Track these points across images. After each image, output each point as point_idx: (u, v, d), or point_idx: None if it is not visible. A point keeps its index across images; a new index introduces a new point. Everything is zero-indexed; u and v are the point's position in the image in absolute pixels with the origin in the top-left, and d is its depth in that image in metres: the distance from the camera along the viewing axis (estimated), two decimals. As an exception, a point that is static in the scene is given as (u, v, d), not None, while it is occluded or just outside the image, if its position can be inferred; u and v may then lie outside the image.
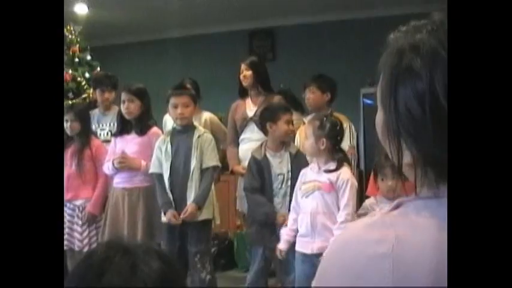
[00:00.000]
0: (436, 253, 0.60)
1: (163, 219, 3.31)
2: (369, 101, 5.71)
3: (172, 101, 3.38)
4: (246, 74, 3.80)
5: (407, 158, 0.67)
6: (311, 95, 3.71)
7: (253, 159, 3.32)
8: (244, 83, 3.83)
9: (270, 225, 3.21)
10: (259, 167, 3.27)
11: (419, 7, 5.41)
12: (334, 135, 2.88)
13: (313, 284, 0.70)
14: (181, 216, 3.24)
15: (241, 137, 3.81)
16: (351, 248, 0.65)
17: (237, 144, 3.84)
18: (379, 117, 0.71)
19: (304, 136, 3.35)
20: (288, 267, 3.17)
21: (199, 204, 3.28)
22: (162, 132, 3.70)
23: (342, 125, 3.03)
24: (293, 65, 5.93)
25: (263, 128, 3.37)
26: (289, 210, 3.12)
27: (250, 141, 3.70)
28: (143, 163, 3.45)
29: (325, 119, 2.93)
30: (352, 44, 6.22)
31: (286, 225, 3.03)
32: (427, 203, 0.64)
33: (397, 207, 0.67)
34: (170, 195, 3.32)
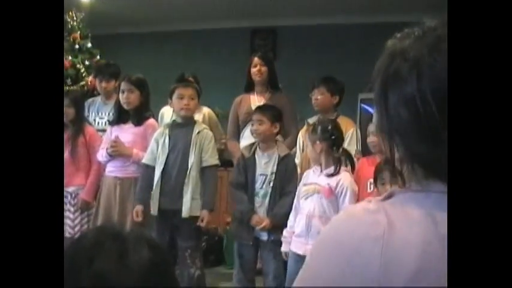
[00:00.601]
0: (423, 240, 0.64)
1: (152, 211, 3.30)
2: (366, 107, 5.72)
3: (179, 91, 3.37)
4: (261, 69, 3.81)
5: (397, 154, 0.73)
6: (320, 96, 3.64)
7: (242, 156, 3.36)
8: (258, 78, 3.82)
9: (247, 223, 3.25)
10: (245, 165, 3.31)
11: (421, 15, 5.44)
12: (328, 136, 2.89)
13: (307, 259, 0.73)
14: (199, 223, 3.24)
15: (243, 132, 3.80)
16: (346, 226, 0.69)
17: (238, 138, 3.83)
18: (374, 117, 0.77)
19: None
20: (267, 267, 3.20)
21: (211, 208, 3.30)
22: (158, 125, 3.70)
23: (336, 124, 3.04)
24: (293, 66, 5.93)
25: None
26: (268, 211, 3.18)
27: (251, 137, 3.69)
28: (135, 151, 3.44)
29: (316, 123, 2.97)
30: (353, 48, 6.24)
31: (264, 227, 3.13)
32: (416, 195, 0.69)
33: (389, 197, 0.72)
34: (157, 190, 3.29)
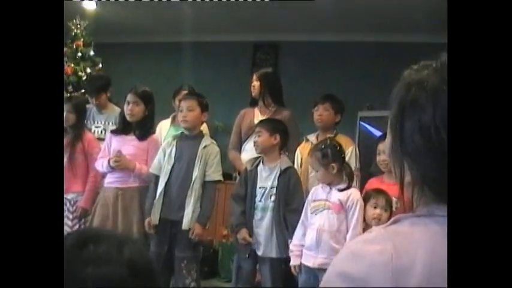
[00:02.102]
0: (430, 263, 0.67)
1: (153, 220, 3.30)
2: (365, 125, 5.73)
3: (180, 104, 3.41)
4: (254, 84, 3.84)
5: (408, 177, 0.76)
6: (325, 113, 3.60)
7: (245, 169, 3.38)
8: (253, 93, 3.87)
9: (242, 233, 3.25)
10: (247, 178, 3.32)
11: (421, 36, 5.51)
12: (339, 157, 2.99)
13: None
14: (190, 235, 3.24)
15: (244, 145, 3.82)
16: (354, 260, 0.71)
17: (239, 149, 3.84)
18: (388, 140, 0.80)
19: (306, 157, 3.43)
20: (265, 281, 3.20)
21: (204, 222, 3.31)
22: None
23: (340, 144, 3.09)
24: (294, 81, 5.95)
25: None
26: (272, 226, 3.18)
27: (252, 151, 3.70)
28: (138, 166, 3.43)
29: (323, 146, 3.00)
30: (354, 66, 6.27)
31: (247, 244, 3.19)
32: (422, 220, 0.72)
33: (395, 222, 0.75)
34: (160, 199, 3.31)
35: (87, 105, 4.20)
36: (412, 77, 0.77)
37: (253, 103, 3.94)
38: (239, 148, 3.86)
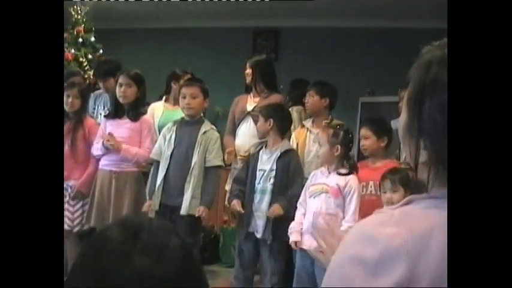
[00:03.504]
0: (444, 244, 0.65)
1: (153, 206, 3.32)
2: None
3: (182, 90, 3.42)
4: (248, 71, 3.87)
5: (423, 157, 0.74)
6: (309, 99, 3.75)
7: (249, 153, 3.44)
8: (247, 81, 3.91)
9: (241, 219, 3.32)
10: (248, 161, 3.39)
11: (422, 21, 5.48)
12: (347, 142, 3.03)
13: (326, 275, 0.74)
14: (198, 215, 3.26)
15: (238, 130, 3.84)
16: (367, 243, 0.69)
17: (234, 135, 3.87)
18: (403, 119, 0.78)
19: (302, 142, 3.57)
20: (265, 265, 3.23)
21: (209, 206, 3.33)
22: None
23: (353, 134, 3.16)
24: (295, 67, 5.94)
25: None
26: (268, 208, 3.21)
27: (245, 136, 3.74)
28: (124, 146, 3.44)
29: (338, 127, 3.08)
30: (355, 52, 6.25)
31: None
32: (436, 202, 0.70)
33: (407, 203, 0.73)
34: (160, 185, 3.33)
35: (99, 91, 4.21)
36: (432, 55, 0.74)
37: (248, 89, 3.99)
38: (234, 133, 3.89)
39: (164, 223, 0.82)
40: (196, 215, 3.25)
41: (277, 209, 3.15)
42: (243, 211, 3.26)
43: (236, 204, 3.27)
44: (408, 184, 2.73)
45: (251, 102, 3.83)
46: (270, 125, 3.33)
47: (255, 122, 3.62)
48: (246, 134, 3.74)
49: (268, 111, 3.38)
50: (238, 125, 3.83)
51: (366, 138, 3.20)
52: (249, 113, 3.77)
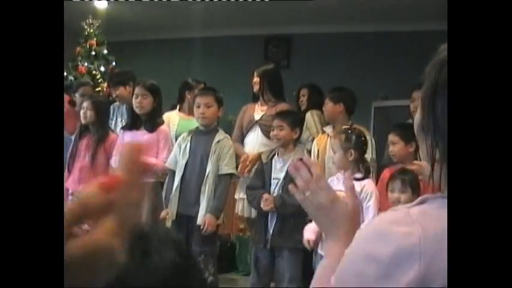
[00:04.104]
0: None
1: (170, 215, 3.33)
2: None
3: (197, 100, 3.43)
4: (255, 80, 3.88)
5: (437, 155, 0.74)
6: (325, 106, 3.78)
7: (260, 161, 3.41)
8: (254, 89, 3.92)
9: (259, 225, 3.30)
10: (262, 169, 3.36)
11: (432, 24, 5.45)
12: (361, 146, 3.01)
13: (338, 270, 0.74)
14: (203, 227, 3.22)
15: (246, 139, 3.84)
16: (380, 241, 0.69)
17: (241, 142, 3.85)
18: (418, 117, 0.79)
19: (323, 148, 3.57)
20: (283, 271, 3.22)
21: (217, 214, 3.30)
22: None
23: (365, 136, 3.15)
24: (307, 74, 5.94)
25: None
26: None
27: (253, 144, 3.74)
28: (151, 161, 3.47)
29: (349, 131, 3.06)
30: (367, 57, 6.24)
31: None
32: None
33: (421, 203, 0.72)
34: (176, 194, 3.34)
35: (117, 103, 4.25)
36: (445, 54, 0.74)
37: (255, 98, 3.98)
38: (241, 141, 3.88)
39: (165, 231, 0.82)
40: (201, 226, 3.22)
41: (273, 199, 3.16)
42: (272, 206, 3.20)
43: (268, 196, 3.22)
44: (416, 186, 2.73)
45: (259, 111, 3.84)
46: (296, 134, 3.35)
47: (263, 131, 3.64)
48: (254, 143, 3.74)
49: (295, 120, 3.37)
50: (246, 134, 3.84)
51: (394, 144, 3.18)
52: (257, 122, 3.78)
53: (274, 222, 3.24)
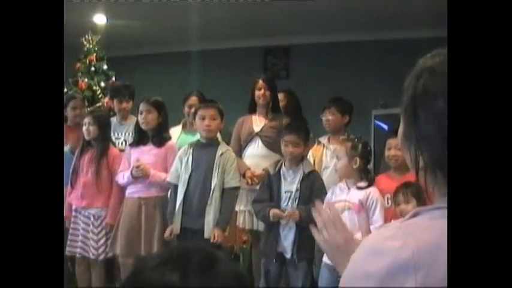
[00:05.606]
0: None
1: (175, 230, 3.32)
2: (380, 123, 5.70)
3: (200, 113, 3.41)
4: (265, 93, 3.82)
5: (421, 163, 0.76)
6: (330, 117, 3.73)
7: (267, 173, 3.38)
8: (261, 101, 3.85)
9: (269, 238, 3.27)
10: (270, 182, 3.32)
11: (432, 31, 5.45)
12: (366, 155, 3.03)
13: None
14: (212, 240, 3.21)
15: (245, 152, 3.82)
16: (375, 258, 0.70)
17: (239, 156, 3.81)
18: (401, 128, 0.81)
19: (319, 159, 3.59)
20: (293, 283, 3.20)
21: (224, 227, 3.30)
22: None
23: (371, 148, 3.16)
24: (306, 84, 5.95)
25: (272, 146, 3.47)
26: (295, 228, 3.18)
27: (253, 156, 3.71)
28: (152, 172, 3.47)
29: (356, 140, 3.07)
30: (366, 65, 6.25)
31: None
32: (443, 213, 0.70)
33: (414, 215, 0.74)
34: (180, 209, 3.33)
35: (119, 120, 4.25)
36: (424, 64, 0.77)
37: (252, 109, 3.92)
38: (239, 154, 3.83)
39: (228, 265, 0.74)
40: (212, 240, 3.21)
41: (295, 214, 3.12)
42: (288, 214, 3.16)
43: (276, 211, 3.18)
44: (420, 195, 2.74)
45: (257, 123, 3.81)
46: (307, 149, 3.38)
47: (264, 142, 3.62)
48: (254, 155, 3.72)
49: (307, 135, 3.37)
50: (245, 146, 3.81)
51: (396, 148, 3.17)
52: (257, 134, 3.76)
53: (293, 235, 3.20)
